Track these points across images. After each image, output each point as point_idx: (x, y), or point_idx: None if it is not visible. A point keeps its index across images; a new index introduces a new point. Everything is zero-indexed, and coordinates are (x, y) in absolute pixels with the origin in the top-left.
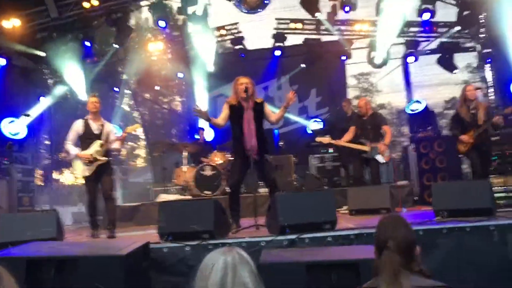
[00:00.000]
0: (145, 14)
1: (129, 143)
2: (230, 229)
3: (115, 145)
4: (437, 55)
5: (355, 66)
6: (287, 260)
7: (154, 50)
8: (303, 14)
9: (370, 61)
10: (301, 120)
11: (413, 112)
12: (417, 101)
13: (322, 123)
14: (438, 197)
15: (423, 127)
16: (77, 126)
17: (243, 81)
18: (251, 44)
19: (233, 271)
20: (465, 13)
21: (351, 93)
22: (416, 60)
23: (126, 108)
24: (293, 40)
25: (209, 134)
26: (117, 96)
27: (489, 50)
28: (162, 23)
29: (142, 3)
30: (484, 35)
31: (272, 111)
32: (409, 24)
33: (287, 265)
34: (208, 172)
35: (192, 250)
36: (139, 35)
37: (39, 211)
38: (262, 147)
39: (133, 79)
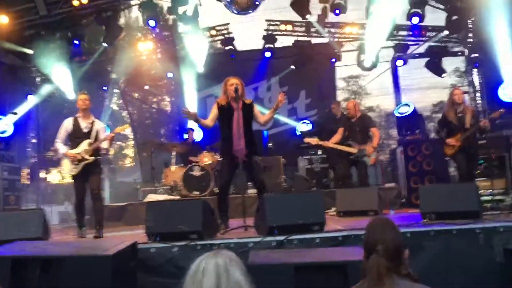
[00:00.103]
0: (135, 13)
1: (118, 142)
2: (218, 229)
3: (104, 144)
4: (426, 59)
5: (344, 68)
6: (276, 262)
7: (144, 49)
8: (294, 16)
9: (360, 64)
10: (290, 122)
11: (402, 115)
12: (406, 104)
13: (311, 124)
14: (425, 200)
15: (411, 130)
16: (67, 124)
17: (233, 81)
18: (241, 45)
19: (226, 272)
20: (454, 18)
21: (340, 96)
22: (405, 63)
23: (115, 107)
24: (283, 41)
25: (198, 135)
26: (106, 95)
27: (477, 54)
28: (152, 23)
29: (132, 2)
30: (472, 39)
31: (261, 112)
32: (398, 27)
33: (276, 267)
34: (197, 172)
35: (180, 251)
36: (129, 34)
37: (25, 210)
38: (251, 148)
39: (122, 79)
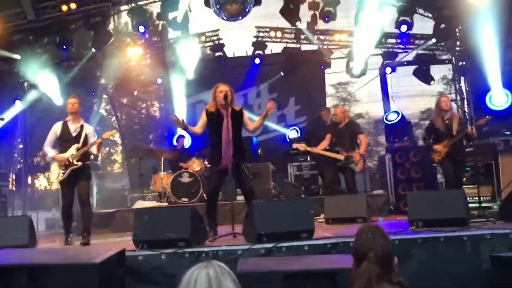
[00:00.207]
0: (125, 18)
1: (106, 148)
2: (207, 237)
3: (92, 149)
4: (414, 67)
5: (334, 75)
6: (265, 269)
7: (133, 55)
8: (284, 22)
9: (349, 71)
10: (280, 128)
11: (390, 122)
12: (394, 111)
13: (300, 131)
14: (413, 207)
15: (399, 137)
16: (56, 128)
17: (223, 88)
18: (231, 51)
19: (217, 283)
20: (442, 26)
21: (329, 102)
22: (393, 71)
23: (104, 113)
24: (273, 48)
25: (187, 141)
26: (94, 100)
27: (464, 62)
28: (141, 28)
29: (121, 8)
30: (459, 48)
31: (250, 119)
32: (387, 35)
33: (265, 274)
34: (185, 179)
35: (168, 258)
36: (118, 40)
37: (11, 217)
38: (240, 155)
39: (111, 84)
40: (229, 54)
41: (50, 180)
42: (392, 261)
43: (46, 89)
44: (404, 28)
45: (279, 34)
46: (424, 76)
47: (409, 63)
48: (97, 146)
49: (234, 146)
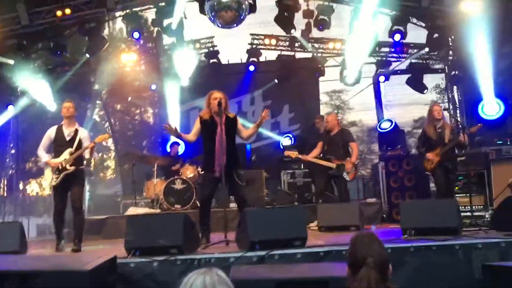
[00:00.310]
0: (119, 24)
1: (99, 154)
2: (199, 244)
3: (85, 154)
4: (407, 75)
5: (327, 83)
6: (257, 277)
7: (127, 61)
8: (278, 30)
9: (343, 79)
10: (274, 136)
11: (383, 131)
12: (388, 120)
13: (293, 139)
14: (406, 216)
15: (392, 146)
16: (50, 132)
17: (217, 95)
18: (225, 58)
19: None
20: (435, 36)
21: (323, 110)
22: (387, 79)
23: (97, 118)
24: (267, 55)
25: (181, 148)
26: (88, 106)
27: (457, 72)
28: (136, 34)
29: (116, 14)
30: (452, 57)
31: (244, 126)
32: (380, 44)
33: (257, 282)
34: (178, 185)
35: (160, 266)
36: (112, 46)
37: (1, 222)
38: (233, 163)
39: (105, 90)
40: (224, 61)
41: (42, 186)
42: (388, 268)
43: (38, 95)
44: (397, 37)
45: (273, 41)
46: (417, 85)
47: (402, 72)
48: (89, 150)
49: (228, 154)
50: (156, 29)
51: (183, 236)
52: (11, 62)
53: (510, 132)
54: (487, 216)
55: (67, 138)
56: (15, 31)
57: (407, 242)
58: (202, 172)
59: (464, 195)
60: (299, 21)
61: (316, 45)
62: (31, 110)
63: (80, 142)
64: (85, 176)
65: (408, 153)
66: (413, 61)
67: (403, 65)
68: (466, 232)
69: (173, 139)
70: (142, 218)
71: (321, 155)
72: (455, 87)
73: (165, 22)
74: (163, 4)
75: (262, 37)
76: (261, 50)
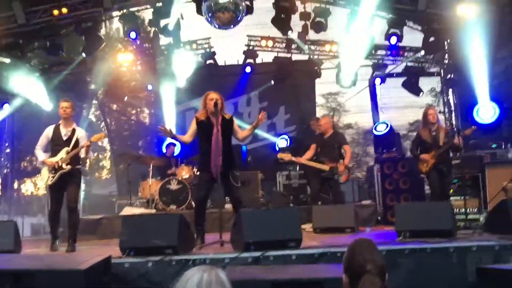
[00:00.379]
0: (116, 24)
1: (94, 153)
2: (194, 244)
3: (81, 153)
4: (403, 78)
5: (324, 85)
6: (252, 278)
7: (124, 61)
8: (275, 32)
9: (339, 81)
10: (270, 137)
11: (379, 133)
12: (383, 122)
13: (289, 140)
14: (401, 218)
15: (387, 148)
16: (48, 132)
17: (213, 96)
18: (222, 59)
19: None
20: (431, 39)
21: (319, 112)
22: (382, 82)
23: (93, 118)
24: (264, 57)
25: (177, 149)
26: (84, 106)
27: (453, 75)
28: (133, 35)
29: (113, 14)
30: (448, 61)
31: (240, 127)
32: (376, 47)
33: (252, 283)
34: (174, 186)
35: (154, 266)
36: (109, 45)
37: None
38: (229, 164)
39: (101, 89)
40: (220, 62)
41: (37, 185)
42: (385, 275)
43: (32, 94)
44: (393, 40)
45: (270, 43)
46: (413, 88)
47: (398, 74)
48: (85, 149)
49: (224, 154)
50: (153, 29)
51: (178, 236)
52: (7, 61)
53: (504, 136)
54: (481, 219)
55: (64, 138)
56: (11, 30)
57: (402, 244)
58: (198, 172)
59: (459, 198)
60: (296, 23)
61: (312, 47)
62: (26, 109)
63: (77, 141)
64: (82, 176)
65: (403, 156)
66: (409, 64)
67: (399, 68)
68: (460, 234)
69: (169, 139)
70: (137, 218)
71: (315, 157)
72: (450, 90)
73: (162, 22)
74: (160, 4)
75: (259, 38)
76: (257, 52)
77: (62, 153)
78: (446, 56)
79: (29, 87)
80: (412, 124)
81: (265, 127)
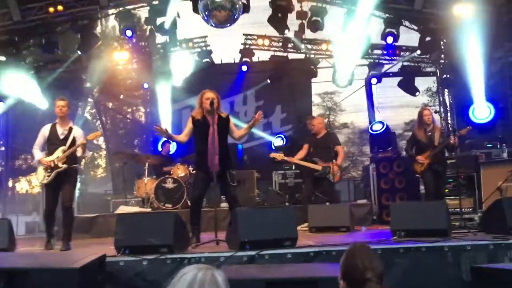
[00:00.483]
0: (112, 22)
1: (90, 152)
2: (189, 243)
3: (77, 152)
4: (399, 78)
5: (320, 84)
6: (247, 277)
7: (120, 59)
8: (271, 31)
9: (335, 80)
10: (266, 136)
11: (375, 133)
12: (379, 122)
13: (285, 139)
14: (396, 217)
15: (383, 148)
16: (44, 131)
17: (209, 95)
18: (218, 58)
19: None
20: (427, 39)
21: (315, 112)
22: (379, 81)
23: (88, 116)
24: (260, 56)
25: (172, 147)
26: (79, 104)
27: (448, 75)
28: (129, 33)
29: (109, 11)
30: (444, 60)
31: (237, 126)
32: (373, 46)
33: (247, 282)
34: (169, 184)
35: (149, 264)
36: (105, 43)
37: None
38: (225, 163)
39: (96, 88)
40: (217, 60)
41: (32, 184)
42: (383, 281)
43: (26, 93)
44: (390, 39)
45: (266, 42)
46: (409, 87)
47: (394, 74)
48: (81, 148)
49: (220, 154)
50: (149, 27)
51: (174, 235)
52: (2, 58)
53: (500, 136)
54: (476, 218)
55: (61, 137)
56: (6, 27)
57: (397, 243)
58: (194, 171)
59: (454, 197)
60: (293, 22)
61: (309, 46)
62: (20, 108)
63: (73, 140)
64: (78, 175)
65: (399, 155)
66: (405, 63)
67: (395, 67)
68: (455, 234)
69: (165, 138)
70: (132, 217)
71: (308, 157)
72: (446, 90)
73: (158, 20)
74: (157, 2)
75: (255, 37)
76: (254, 50)
77: (58, 152)
78: (442, 56)
79: (23, 85)
80: (408, 123)
81: (261, 126)
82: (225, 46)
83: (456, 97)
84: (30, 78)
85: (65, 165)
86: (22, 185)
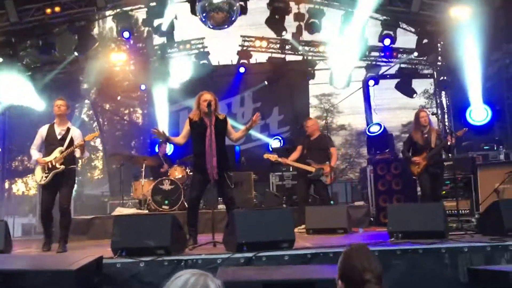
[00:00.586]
0: (109, 23)
1: (87, 153)
2: (186, 245)
3: (75, 153)
4: (397, 80)
5: (317, 87)
6: (244, 279)
7: (117, 60)
8: (269, 32)
9: (332, 82)
10: (263, 138)
11: (372, 134)
12: (377, 124)
13: (282, 141)
14: (393, 219)
15: (381, 150)
16: (42, 131)
17: (207, 97)
18: (216, 59)
19: None
20: (424, 41)
21: (313, 113)
22: (376, 83)
23: (85, 118)
24: (258, 58)
25: (169, 148)
26: (76, 105)
27: (446, 77)
28: (126, 34)
29: (106, 13)
30: (441, 63)
31: (234, 127)
32: (370, 48)
33: (244, 284)
34: (166, 186)
35: (146, 266)
36: (102, 45)
37: None
38: (223, 164)
39: (93, 89)
40: (214, 62)
41: (28, 185)
42: (382, 280)
43: (22, 95)
44: (387, 41)
45: (264, 43)
46: (406, 89)
47: (391, 76)
48: (80, 149)
49: (218, 155)
50: (146, 29)
51: (171, 237)
52: None
53: (497, 138)
54: (473, 220)
55: (58, 137)
56: (3, 28)
57: (394, 245)
58: (191, 173)
59: (451, 199)
60: (290, 23)
61: (306, 48)
62: (17, 109)
63: (71, 140)
64: (76, 176)
65: (396, 157)
66: (402, 65)
67: (393, 69)
68: (452, 236)
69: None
70: (129, 218)
71: (301, 158)
72: (443, 92)
73: (156, 22)
74: (154, 4)
75: (253, 39)
76: (251, 52)
77: (56, 153)
78: (439, 58)
79: (20, 86)
80: (405, 125)
81: (259, 128)
82: (223, 48)
83: (453, 99)
84: (27, 79)
85: (62, 166)
86: (18, 187)
